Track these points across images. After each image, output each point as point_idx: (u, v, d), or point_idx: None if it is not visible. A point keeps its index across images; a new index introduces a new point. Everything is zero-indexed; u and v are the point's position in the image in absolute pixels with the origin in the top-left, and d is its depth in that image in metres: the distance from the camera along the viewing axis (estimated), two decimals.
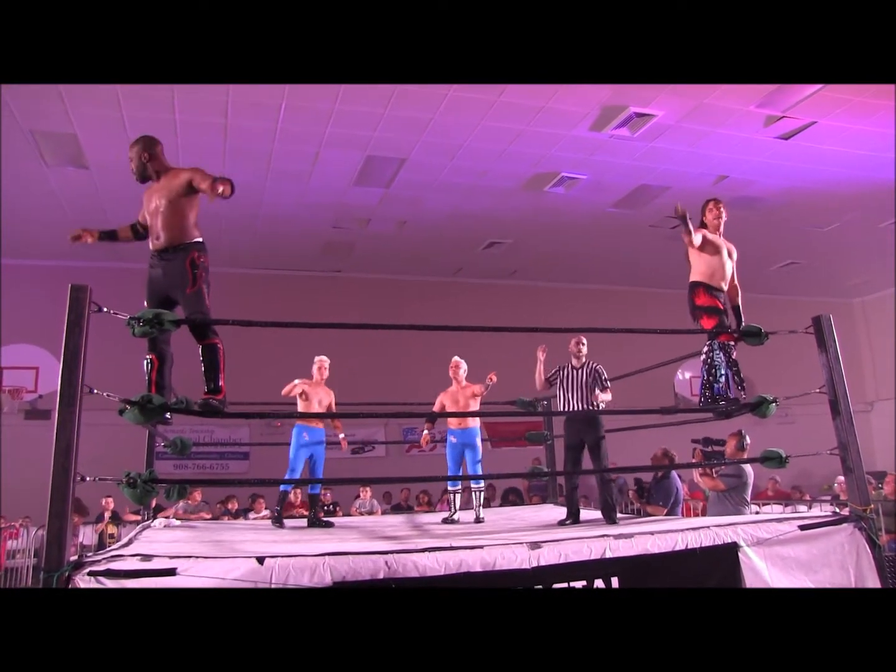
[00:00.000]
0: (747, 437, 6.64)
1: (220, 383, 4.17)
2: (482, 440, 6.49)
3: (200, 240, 4.32)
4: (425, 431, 6.55)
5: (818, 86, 7.86)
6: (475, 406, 6.28)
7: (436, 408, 6.42)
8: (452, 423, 6.38)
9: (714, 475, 6.49)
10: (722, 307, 5.22)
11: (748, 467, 6.27)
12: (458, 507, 6.42)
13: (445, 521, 6.19)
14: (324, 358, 6.59)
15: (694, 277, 5.34)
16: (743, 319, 5.37)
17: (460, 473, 6.40)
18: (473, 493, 6.26)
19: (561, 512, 5.97)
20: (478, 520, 6.01)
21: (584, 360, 5.88)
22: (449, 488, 6.64)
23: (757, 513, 7.87)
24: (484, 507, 6.38)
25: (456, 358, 6.46)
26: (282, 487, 6.60)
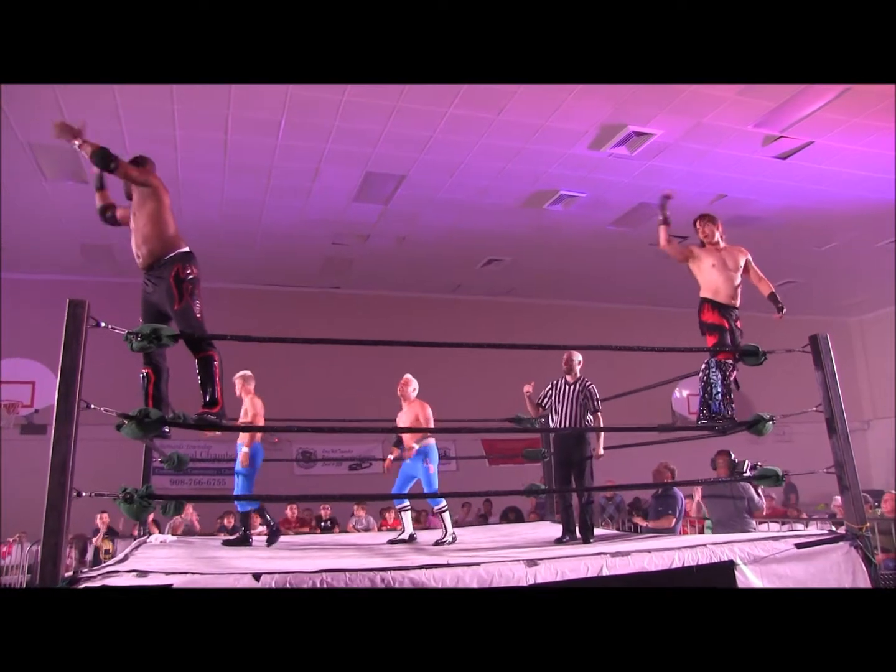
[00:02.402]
0: (733, 454, 6.79)
1: (217, 395, 4.15)
2: (480, 457, 6.39)
3: (185, 250, 4.25)
4: (390, 456, 6.35)
5: (816, 105, 7.91)
6: (423, 421, 6.02)
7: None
8: (405, 442, 6.12)
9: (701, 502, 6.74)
10: (727, 326, 5.23)
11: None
12: (409, 526, 6.12)
13: (393, 542, 5.94)
14: (239, 373, 6.37)
15: (701, 294, 5.39)
16: (782, 305, 5.33)
17: (405, 493, 6.14)
18: (437, 515, 5.89)
19: (559, 529, 5.96)
20: (439, 542, 5.63)
21: (577, 375, 5.84)
22: (395, 507, 6.34)
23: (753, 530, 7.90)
24: (481, 524, 6.30)
25: (406, 376, 6.31)
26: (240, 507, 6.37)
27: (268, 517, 6.27)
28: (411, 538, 5.99)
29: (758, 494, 6.60)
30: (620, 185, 10.10)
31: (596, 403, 5.71)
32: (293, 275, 13.64)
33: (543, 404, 5.88)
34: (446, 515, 5.81)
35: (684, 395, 14.96)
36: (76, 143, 4.11)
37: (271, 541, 6.07)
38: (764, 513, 7.23)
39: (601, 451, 5.68)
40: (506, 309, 15.25)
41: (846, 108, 8.00)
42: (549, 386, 5.90)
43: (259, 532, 9.42)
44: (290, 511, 10.67)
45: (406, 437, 6.07)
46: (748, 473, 6.56)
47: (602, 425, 5.79)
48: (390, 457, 6.30)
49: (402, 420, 6.16)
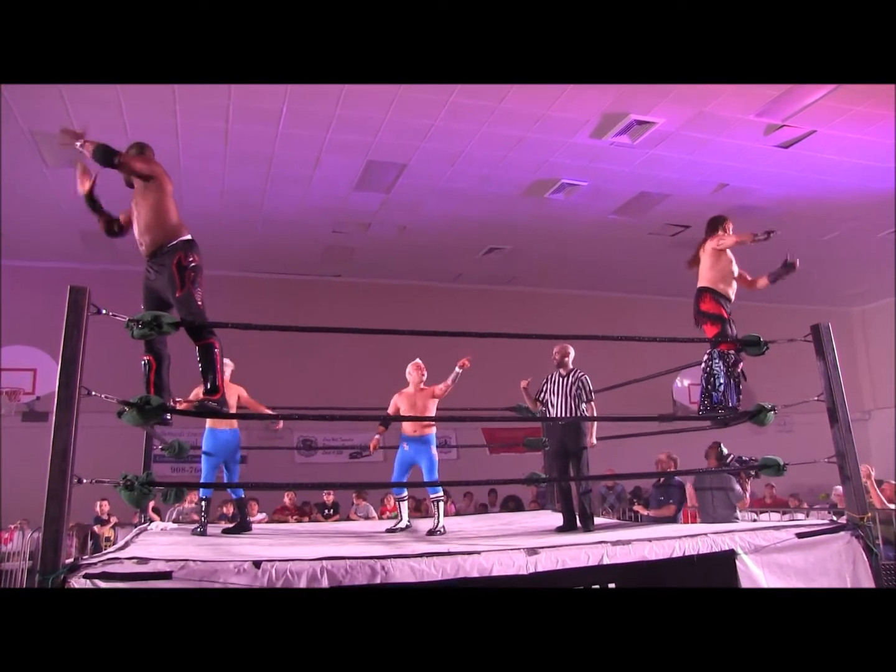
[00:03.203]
0: (724, 448, 6.88)
1: (218, 383, 4.15)
2: (478, 446, 6.34)
3: (187, 238, 4.24)
4: (376, 436, 6.20)
5: (818, 94, 7.88)
6: (433, 410, 6.03)
7: (390, 410, 6.11)
8: (407, 429, 6.00)
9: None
10: (727, 316, 5.27)
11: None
12: (406, 515, 6.06)
13: (391, 530, 5.90)
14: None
15: (702, 283, 5.41)
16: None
17: (405, 481, 6.11)
18: (432, 504, 5.81)
19: (559, 518, 5.97)
20: (432, 531, 5.53)
21: (570, 367, 5.89)
22: (394, 496, 6.19)
23: (754, 520, 7.96)
24: (482, 512, 6.29)
25: (419, 360, 6.19)
26: (202, 493, 6.23)
27: (202, 509, 6.13)
28: (407, 527, 5.97)
29: (742, 487, 6.78)
30: (622, 174, 10.07)
31: (589, 394, 5.77)
32: (294, 263, 13.62)
33: (541, 399, 5.93)
34: (441, 505, 5.77)
35: (685, 384, 14.95)
36: (78, 144, 4.12)
37: (198, 531, 5.93)
38: (747, 504, 7.35)
39: (594, 441, 5.71)
40: (507, 298, 15.23)
41: (848, 97, 7.97)
42: (545, 380, 5.97)
43: (259, 519, 9.45)
44: (288, 498, 10.69)
45: (411, 423, 6.00)
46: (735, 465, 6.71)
47: (595, 415, 5.82)
48: (377, 437, 6.24)
49: (415, 405, 6.02)
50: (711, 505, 6.80)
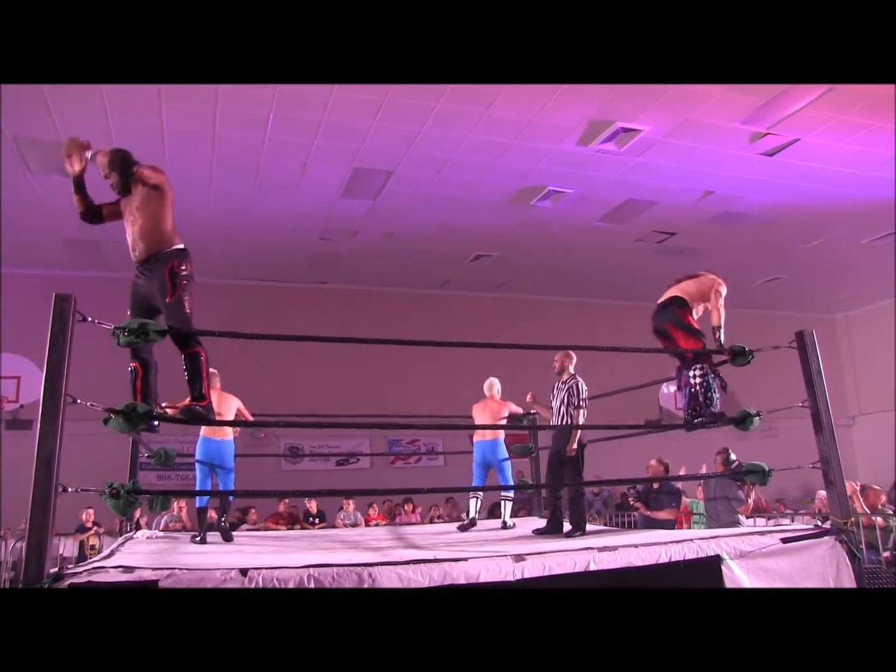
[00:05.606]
0: (732, 454, 6.92)
1: (204, 391, 4.13)
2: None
3: (181, 247, 4.23)
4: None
5: (802, 103, 7.95)
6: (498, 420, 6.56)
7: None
8: (477, 434, 6.71)
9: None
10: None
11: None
12: (475, 512, 6.67)
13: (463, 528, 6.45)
14: None
15: (687, 298, 5.41)
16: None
17: (480, 484, 6.75)
18: (504, 502, 6.59)
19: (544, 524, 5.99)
20: (505, 526, 6.39)
21: (570, 373, 6.01)
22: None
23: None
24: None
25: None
26: (198, 503, 6.26)
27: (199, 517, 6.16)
28: (473, 522, 6.54)
29: (745, 493, 6.89)
30: (608, 182, 10.12)
31: (577, 401, 5.81)
32: (281, 270, 13.61)
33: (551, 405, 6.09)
34: (509, 505, 6.56)
35: (671, 390, 14.98)
36: (88, 154, 4.13)
37: (197, 540, 5.91)
38: (749, 509, 7.39)
39: (574, 446, 5.73)
40: (495, 304, 15.29)
41: (832, 105, 8.05)
42: (552, 388, 6.14)
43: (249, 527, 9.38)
44: (283, 505, 10.72)
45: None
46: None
47: (580, 422, 5.85)
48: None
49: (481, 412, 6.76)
50: (716, 511, 7.05)
